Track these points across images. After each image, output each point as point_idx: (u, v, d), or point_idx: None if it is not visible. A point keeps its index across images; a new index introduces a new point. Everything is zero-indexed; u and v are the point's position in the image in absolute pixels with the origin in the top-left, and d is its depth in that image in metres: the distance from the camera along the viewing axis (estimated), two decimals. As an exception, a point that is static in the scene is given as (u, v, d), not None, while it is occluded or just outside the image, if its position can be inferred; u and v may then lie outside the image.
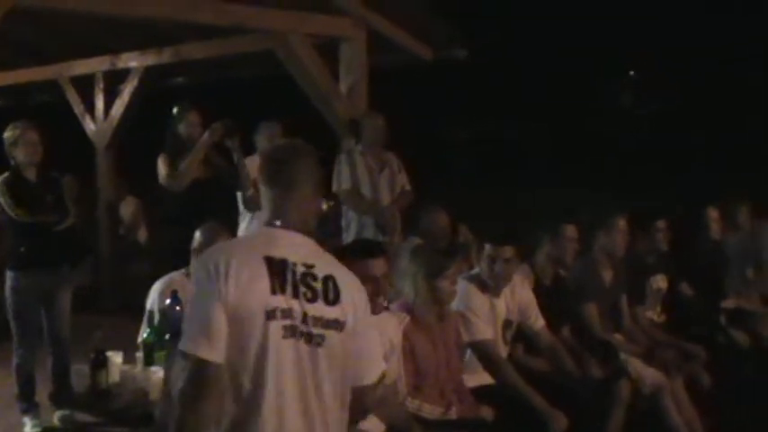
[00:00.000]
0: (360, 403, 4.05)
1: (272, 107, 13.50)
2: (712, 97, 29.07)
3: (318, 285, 3.88)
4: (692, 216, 9.53)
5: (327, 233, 10.30)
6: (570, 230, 7.73)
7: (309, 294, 3.84)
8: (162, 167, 8.63)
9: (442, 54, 11.98)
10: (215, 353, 3.68)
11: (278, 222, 3.95)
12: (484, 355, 6.63)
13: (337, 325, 3.87)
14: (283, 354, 3.76)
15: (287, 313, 3.77)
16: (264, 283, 3.76)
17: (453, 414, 6.02)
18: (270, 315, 3.74)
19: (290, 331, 3.78)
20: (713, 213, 9.48)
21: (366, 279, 5.16)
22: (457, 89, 25.95)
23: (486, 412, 6.21)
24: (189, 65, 13.38)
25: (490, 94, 28.12)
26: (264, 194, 4.03)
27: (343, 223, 9.79)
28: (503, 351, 6.91)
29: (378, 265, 5.27)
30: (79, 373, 6.25)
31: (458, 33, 11.84)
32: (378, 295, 5.26)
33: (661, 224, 8.76)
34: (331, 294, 3.89)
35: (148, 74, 13.17)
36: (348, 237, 9.57)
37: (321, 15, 10.67)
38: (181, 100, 9.07)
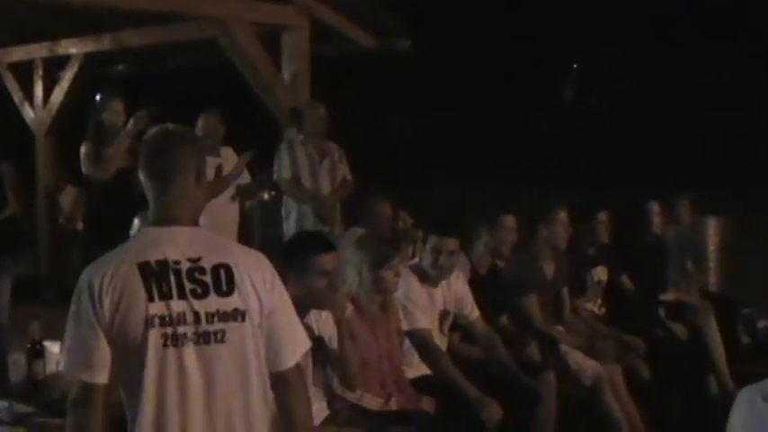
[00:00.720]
0: (283, 388, 3.85)
1: (215, 96, 13.45)
2: (656, 92, 29.27)
3: (208, 278, 3.69)
4: (634, 210, 9.57)
5: (269, 222, 10.29)
6: (508, 221, 7.72)
7: (199, 290, 3.67)
8: (84, 156, 8.48)
9: (386, 44, 11.96)
10: (98, 375, 3.61)
11: (158, 218, 3.80)
12: (420, 344, 6.66)
13: (237, 315, 3.70)
14: (166, 364, 3.63)
15: (167, 320, 3.62)
16: (139, 292, 3.61)
17: (394, 405, 6.04)
18: (148, 324, 3.60)
19: (173, 339, 3.63)
20: (655, 207, 9.49)
21: (321, 274, 5.19)
22: (400, 79, 25.96)
23: (427, 403, 6.22)
24: (130, 52, 13.28)
25: (434, 85, 28.14)
26: (145, 187, 3.86)
27: (284, 212, 9.77)
28: (440, 341, 6.92)
29: (331, 260, 5.26)
30: (16, 364, 6.20)
31: (401, 23, 11.83)
32: (334, 289, 5.27)
33: (602, 216, 8.79)
34: (224, 284, 3.71)
35: (88, 61, 13.02)
36: (288, 226, 9.56)
37: (264, 3, 10.63)
38: (105, 87, 8.96)
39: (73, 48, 13.01)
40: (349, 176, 9.86)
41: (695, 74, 28.64)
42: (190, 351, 3.65)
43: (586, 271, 8.76)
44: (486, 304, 7.38)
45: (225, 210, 9.22)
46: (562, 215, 8.16)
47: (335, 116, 9.96)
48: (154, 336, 3.60)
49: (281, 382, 3.85)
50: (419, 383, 6.47)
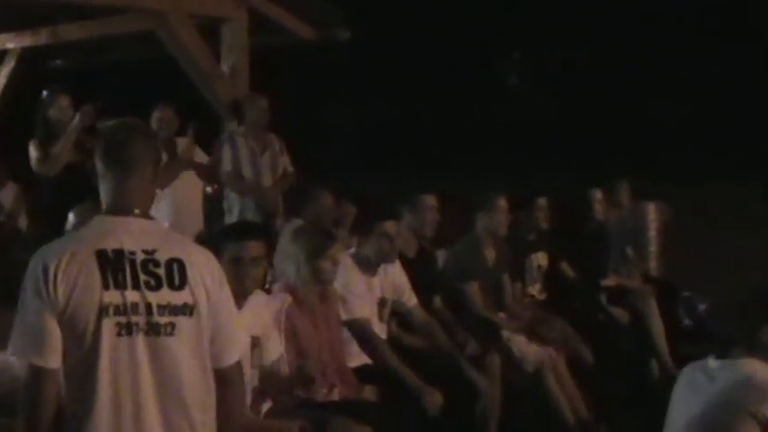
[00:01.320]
0: (223, 384, 3.86)
1: (155, 90, 13.36)
2: (597, 80, 29.39)
3: (161, 271, 3.70)
4: (576, 196, 9.63)
5: (212, 217, 10.24)
6: (429, 200, 7.70)
7: (153, 282, 3.67)
8: (33, 153, 8.49)
9: (325, 35, 11.92)
10: (48, 359, 3.56)
11: (114, 207, 3.79)
12: (359, 333, 6.67)
13: (186, 309, 3.71)
14: (119, 353, 3.62)
15: (122, 309, 3.61)
16: (95, 279, 3.59)
17: (336, 395, 6.03)
18: (103, 312, 3.59)
19: (126, 329, 3.62)
20: (597, 194, 9.61)
21: (241, 261, 5.20)
22: (341, 71, 25.92)
23: (369, 392, 6.23)
24: (68, 46, 13.14)
25: (374, 76, 28.11)
26: (101, 177, 3.84)
27: (226, 206, 9.72)
28: (379, 330, 6.95)
29: (255, 248, 5.26)
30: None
31: (340, 14, 11.80)
32: (249, 279, 5.27)
33: (542, 203, 8.84)
34: (176, 278, 3.71)
35: (26, 55, 12.91)
36: (231, 219, 9.51)
37: (202, -4, 10.58)
38: (51, 84, 8.94)
39: (10, 42, 12.88)
40: (290, 168, 9.83)
41: (636, 62, 28.78)
42: (141, 341, 3.64)
43: (526, 257, 8.81)
44: (418, 287, 7.39)
45: (191, 198, 9.35)
46: (501, 202, 8.19)
47: (276, 108, 9.92)
48: (108, 324, 3.59)
49: (222, 379, 3.86)
50: (361, 373, 6.47)
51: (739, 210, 16.89)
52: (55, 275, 3.57)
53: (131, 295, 3.63)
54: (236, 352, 3.94)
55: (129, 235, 3.72)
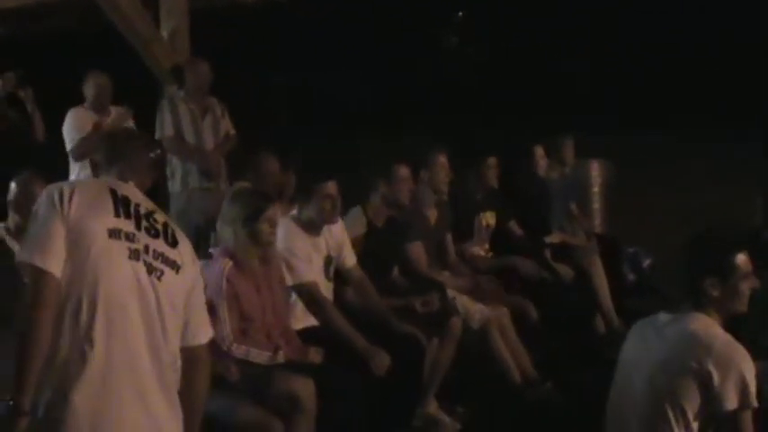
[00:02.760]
0: (194, 362, 4.01)
1: (94, 55, 13.16)
2: (538, 40, 29.40)
3: (159, 226, 3.98)
4: (520, 154, 9.58)
5: (155, 182, 10.11)
6: (403, 171, 7.64)
7: (153, 231, 3.92)
8: None
9: (266, -3, 11.83)
10: (50, 263, 3.68)
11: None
12: (307, 297, 6.63)
13: (176, 266, 3.94)
14: (127, 274, 3.80)
15: (131, 237, 3.83)
16: (108, 206, 3.84)
17: (281, 358, 5.98)
18: (113, 234, 3.79)
19: (135, 255, 3.83)
20: (539, 151, 9.58)
21: None
22: (281, 34, 25.76)
23: (314, 354, 6.18)
24: (4, 15, 12.90)
25: (315, 40, 27.92)
26: (107, 160, 4.16)
27: (168, 171, 9.56)
28: (326, 288, 6.92)
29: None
30: None
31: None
32: None
33: (490, 161, 8.79)
34: (170, 237, 3.99)
35: (-38, 24, 12.69)
36: (174, 184, 9.41)
37: (139, -41, 10.39)
38: None
39: (-56, 11, 12.63)
40: (232, 131, 9.73)
41: (577, 20, 28.78)
42: (143, 270, 3.86)
43: (474, 216, 8.77)
44: (382, 256, 7.44)
45: None
46: (441, 159, 8.13)
47: (217, 71, 9.79)
48: (119, 245, 3.81)
49: (193, 357, 4.02)
50: (306, 335, 6.44)
51: (680, 165, 16.97)
52: (71, 196, 3.80)
53: (137, 231, 3.89)
54: (209, 332, 4.13)
55: (135, 193, 4.04)
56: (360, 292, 7.14)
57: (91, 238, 3.74)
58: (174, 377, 3.95)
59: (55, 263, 3.69)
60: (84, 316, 3.70)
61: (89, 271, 3.72)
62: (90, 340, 3.70)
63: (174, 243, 3.98)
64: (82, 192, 3.83)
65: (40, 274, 3.67)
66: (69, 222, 3.73)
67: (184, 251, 4.03)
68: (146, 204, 4.01)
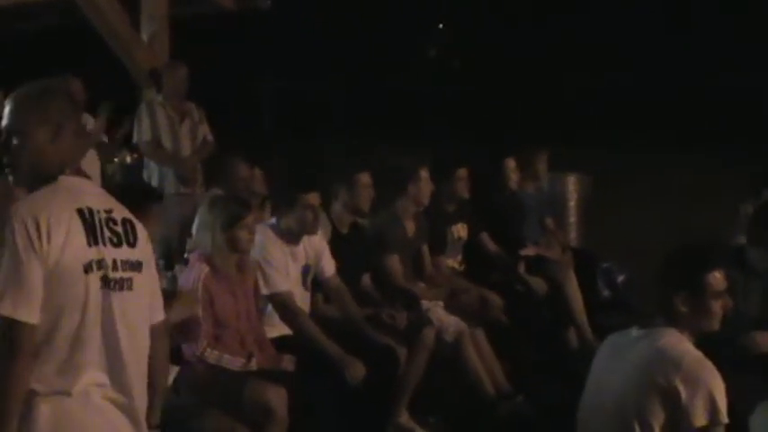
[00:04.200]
0: (154, 338, 4.00)
1: (73, 58, 13.17)
2: (517, 54, 29.43)
3: (120, 229, 3.85)
4: (492, 167, 9.57)
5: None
6: (365, 178, 7.64)
7: (115, 239, 3.81)
8: None
9: (245, 4, 11.83)
10: (23, 311, 3.56)
11: (57, 167, 3.84)
12: (281, 306, 6.65)
13: (139, 267, 3.88)
14: (101, 306, 3.72)
15: (100, 264, 3.73)
16: (81, 237, 3.69)
17: (254, 365, 6.02)
18: (88, 268, 3.69)
19: (105, 282, 3.73)
20: (510, 163, 9.44)
21: None
22: (261, 41, 25.74)
23: (287, 362, 6.21)
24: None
25: (295, 47, 27.92)
26: (25, 136, 3.85)
27: (146, 175, 9.63)
28: (304, 297, 6.95)
29: None
30: None
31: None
32: None
33: (461, 173, 8.73)
34: (131, 236, 3.88)
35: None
36: (150, 189, 9.40)
37: (120, -38, 10.41)
38: None
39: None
40: (210, 137, 9.76)
41: (560, 34, 28.87)
42: (114, 296, 3.77)
43: (447, 228, 8.75)
44: (348, 263, 7.39)
45: (89, 172, 9.07)
46: (423, 173, 8.12)
47: (196, 77, 9.81)
48: (93, 279, 3.70)
49: (156, 335, 4.00)
50: (280, 343, 6.45)
51: (657, 180, 16.99)
52: (48, 231, 3.61)
53: (105, 251, 3.76)
54: (163, 307, 4.12)
55: (91, 195, 3.86)
56: (338, 302, 7.15)
57: (69, 281, 3.64)
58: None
59: (30, 311, 3.57)
60: (63, 355, 3.65)
61: (69, 317, 3.65)
62: (74, 379, 3.67)
63: (134, 241, 3.88)
64: (56, 224, 3.63)
65: (17, 326, 3.56)
66: (48, 263, 3.59)
67: (142, 244, 3.93)
68: (103, 204, 3.85)
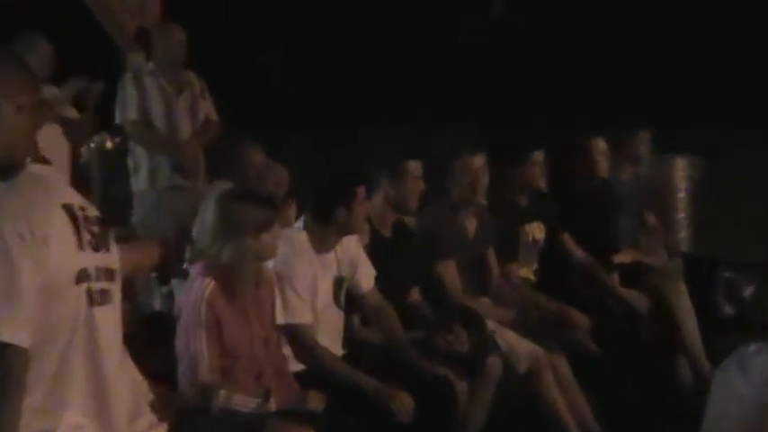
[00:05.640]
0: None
1: (48, 19, 13.29)
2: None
3: (97, 230, 3.93)
4: (576, 149, 9.49)
5: (111, 178, 10.20)
6: (414, 167, 7.67)
7: (94, 243, 3.90)
8: None
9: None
10: (22, 336, 3.63)
11: (21, 154, 3.87)
12: (295, 340, 6.68)
13: (113, 274, 4.01)
14: (88, 325, 3.85)
15: (88, 275, 3.85)
16: (72, 239, 3.80)
17: (273, 406, 5.99)
18: (79, 279, 3.81)
19: (88, 295, 3.85)
20: (600, 145, 9.27)
21: None
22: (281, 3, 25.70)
23: (315, 400, 6.21)
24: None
25: (321, 9, 27.79)
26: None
27: (131, 165, 9.65)
28: (336, 315, 6.99)
29: None
30: None
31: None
32: None
33: (537, 157, 8.71)
34: (107, 240, 4.00)
35: None
36: (137, 182, 9.43)
37: None
38: None
39: None
40: (214, 116, 9.76)
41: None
42: (96, 311, 3.89)
43: (518, 227, 8.74)
44: (392, 274, 7.40)
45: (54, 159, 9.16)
46: (477, 160, 8.05)
47: (194, 41, 9.83)
48: (80, 292, 3.83)
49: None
50: (306, 377, 6.49)
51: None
52: (44, 233, 3.69)
53: (89, 257, 3.88)
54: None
55: (65, 189, 3.99)
56: (379, 324, 7.21)
57: (60, 292, 3.75)
58: None
59: (23, 333, 3.63)
60: (48, 387, 3.78)
61: (59, 334, 3.77)
62: (58, 418, 3.81)
63: (109, 245, 4.00)
64: (49, 221, 3.71)
65: (11, 351, 3.62)
66: (44, 273, 3.68)
67: (114, 246, 4.07)
68: (76, 198, 3.94)
